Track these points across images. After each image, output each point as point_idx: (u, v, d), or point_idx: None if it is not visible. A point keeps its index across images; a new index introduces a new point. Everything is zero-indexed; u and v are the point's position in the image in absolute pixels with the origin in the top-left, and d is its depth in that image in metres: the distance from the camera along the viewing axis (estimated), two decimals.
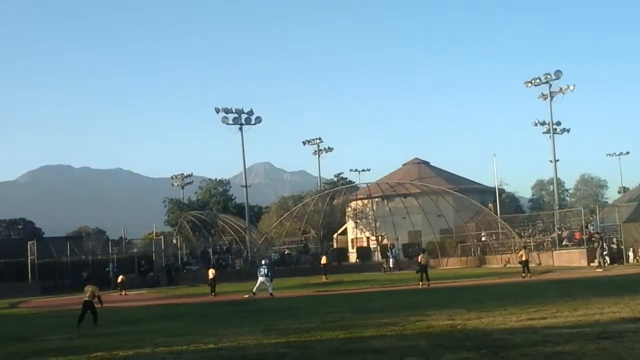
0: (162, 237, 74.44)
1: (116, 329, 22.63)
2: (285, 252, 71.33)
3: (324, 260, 54.50)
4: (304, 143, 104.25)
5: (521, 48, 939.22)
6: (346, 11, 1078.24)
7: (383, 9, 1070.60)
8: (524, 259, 42.27)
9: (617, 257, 50.36)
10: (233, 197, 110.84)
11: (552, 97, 71.15)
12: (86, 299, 24.15)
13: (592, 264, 48.60)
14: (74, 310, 24.95)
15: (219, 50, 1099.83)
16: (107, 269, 56.13)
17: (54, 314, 33.62)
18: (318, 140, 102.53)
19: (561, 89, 70.92)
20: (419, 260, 40.16)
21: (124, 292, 46.68)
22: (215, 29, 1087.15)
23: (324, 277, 50.51)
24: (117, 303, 38.39)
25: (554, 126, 73.44)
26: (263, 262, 40.72)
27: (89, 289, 24.62)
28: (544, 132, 74.66)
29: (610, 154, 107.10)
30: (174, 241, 73.87)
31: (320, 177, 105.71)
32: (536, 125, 75.30)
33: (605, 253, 49.62)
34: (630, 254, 50.16)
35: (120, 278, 47.82)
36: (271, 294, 35.92)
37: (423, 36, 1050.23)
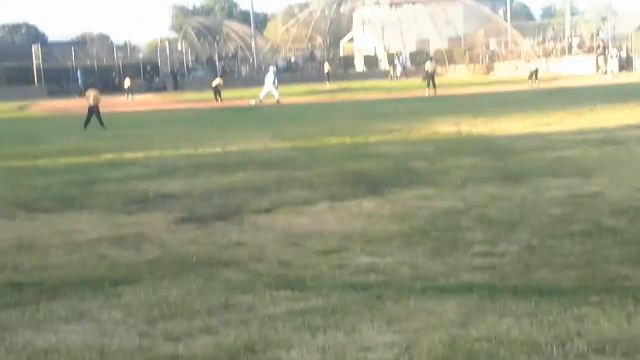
0: (167, 43, 73.63)
1: (124, 132, 22.78)
2: (292, 59, 70.76)
3: (327, 67, 54.07)
4: None
5: None
6: None
7: None
8: (533, 68, 42.01)
9: (627, 64, 49.95)
10: (237, 4, 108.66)
11: None
12: (90, 103, 24.24)
13: (599, 72, 48.35)
14: (82, 114, 25.06)
15: None
16: (77, 75, 54.88)
17: (63, 117, 33.86)
18: None
19: None
20: (426, 68, 39.82)
21: (131, 96, 46.77)
22: None
23: (327, 84, 50.39)
24: (125, 107, 38.64)
25: None
26: (271, 68, 40.47)
27: (91, 93, 24.67)
28: None
29: None
30: (179, 47, 73.09)
31: None
32: None
33: (613, 61, 49.29)
34: (638, 62, 49.70)
35: (127, 82, 47.75)
36: (278, 100, 35.98)
37: None
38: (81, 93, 47.74)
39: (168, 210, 9.13)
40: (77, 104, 35.02)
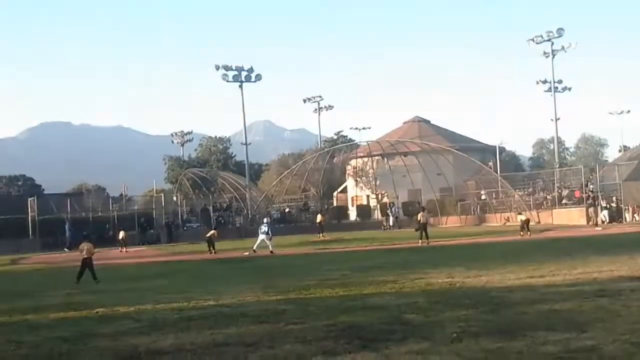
0: (162, 194, 74.52)
1: (117, 285, 22.74)
2: (286, 210, 71.46)
3: (319, 218, 54.41)
4: (304, 101, 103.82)
5: (524, 5, 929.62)
6: None
7: None
8: (524, 218, 42.52)
9: (617, 215, 50.50)
10: (233, 155, 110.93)
11: (554, 55, 70.94)
12: (84, 256, 24.29)
13: (590, 223, 48.76)
14: (75, 267, 25.07)
15: (219, 6, 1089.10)
16: (65, 228, 54.86)
17: (55, 270, 33.76)
18: (318, 98, 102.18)
19: (563, 47, 70.74)
20: (419, 219, 40.23)
21: (125, 249, 46.86)
22: None
23: (319, 235, 50.52)
24: (118, 260, 38.59)
25: (556, 84, 73.29)
26: (264, 219, 40.84)
27: (84, 246, 24.75)
28: (545, 91, 74.56)
29: (611, 113, 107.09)
30: (174, 199, 73.94)
31: (320, 135, 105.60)
32: (538, 83, 75.12)
33: (603, 212, 49.85)
34: (628, 213, 50.23)
35: (121, 234, 47.97)
36: (271, 251, 36.07)
37: None
38: (69, 246, 47.86)
39: None
40: (70, 257, 35.03)
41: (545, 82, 74.25)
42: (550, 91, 72.95)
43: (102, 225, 57.79)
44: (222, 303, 15.81)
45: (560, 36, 70.26)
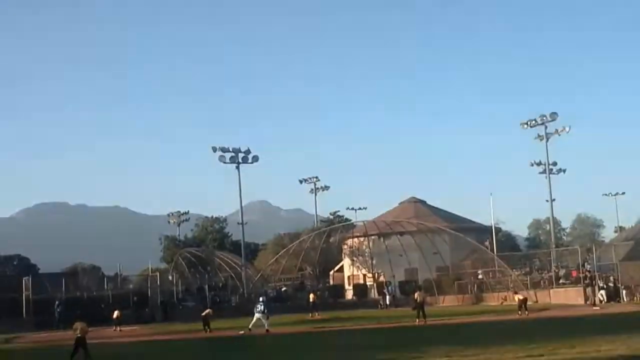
0: (157, 273, 74.16)
1: None
2: (282, 289, 71.04)
3: (312, 297, 53.87)
4: (300, 181, 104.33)
5: (518, 89, 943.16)
6: (341, 43, 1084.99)
7: (378, 42, 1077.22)
8: (521, 298, 42.35)
9: (614, 295, 50.30)
10: (229, 235, 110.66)
11: (548, 139, 71.72)
12: (77, 335, 24.09)
13: (588, 302, 48.54)
14: (68, 347, 24.82)
15: (216, 88, 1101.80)
16: (57, 308, 53.93)
17: (48, 349, 33.41)
18: (315, 179, 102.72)
19: (557, 130, 71.54)
20: (415, 298, 40.07)
21: (119, 328, 46.37)
22: (213, 61, 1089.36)
23: (312, 314, 49.93)
24: (112, 339, 38.19)
25: (550, 166, 73.81)
26: (260, 298, 40.65)
27: (78, 325, 24.57)
28: (540, 172, 75.02)
29: (606, 194, 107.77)
30: (170, 278, 73.57)
31: (316, 215, 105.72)
32: (532, 165, 75.65)
33: (601, 292, 49.68)
34: (624, 293, 50.03)
35: (115, 314, 47.53)
36: (267, 330, 35.79)
37: (420, 75, 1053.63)
38: (58, 326, 47.39)
39: None
40: (64, 337, 34.69)
41: (539, 164, 74.79)
42: (545, 173, 73.47)
43: (96, 304, 57.28)
44: None
45: (553, 120, 71.16)
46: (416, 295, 40.25)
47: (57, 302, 53.98)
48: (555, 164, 75.45)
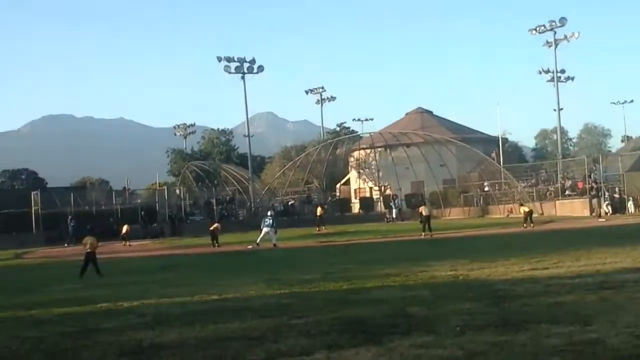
0: (165, 187, 74.51)
1: (120, 279, 22.82)
2: (289, 203, 71.41)
3: (319, 211, 54.03)
4: (306, 92, 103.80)
5: None
6: None
7: None
8: (527, 210, 42.51)
9: (619, 206, 50.40)
10: (236, 147, 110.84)
11: (556, 45, 70.77)
12: (87, 250, 24.32)
13: (594, 214, 48.70)
14: (78, 261, 25.12)
15: None
16: (70, 223, 54.38)
17: (58, 264, 33.83)
18: (321, 89, 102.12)
19: (566, 37, 70.52)
20: (421, 212, 40.23)
21: (128, 243, 46.86)
22: None
23: (318, 228, 50.23)
24: (121, 254, 38.65)
25: (558, 74, 73.11)
26: (268, 212, 40.83)
27: (88, 240, 24.76)
28: (548, 81, 74.44)
29: (614, 102, 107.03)
30: (177, 192, 73.93)
31: (323, 126, 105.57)
32: (540, 73, 75.08)
33: (607, 203, 49.75)
34: (630, 204, 50.08)
35: (124, 228, 47.96)
36: (275, 244, 36.10)
37: None
38: (72, 242, 47.77)
39: None
40: (74, 251, 35.10)
41: (547, 71, 74.14)
42: (553, 81, 72.77)
43: (105, 219, 57.76)
44: (225, 297, 15.84)
45: (562, 25, 70.01)
46: (421, 209, 40.40)
47: (69, 217, 54.41)
48: (563, 71, 74.77)
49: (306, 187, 75.02)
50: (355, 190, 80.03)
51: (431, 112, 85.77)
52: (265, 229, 37.11)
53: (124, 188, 73.67)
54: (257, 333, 10.75)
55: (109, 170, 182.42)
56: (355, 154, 78.11)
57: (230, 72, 70.72)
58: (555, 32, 70.31)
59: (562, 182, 58.01)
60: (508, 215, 55.13)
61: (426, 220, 39.13)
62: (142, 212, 60.18)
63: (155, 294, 17.02)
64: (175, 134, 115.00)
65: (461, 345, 9.07)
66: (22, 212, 56.73)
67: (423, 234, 38.12)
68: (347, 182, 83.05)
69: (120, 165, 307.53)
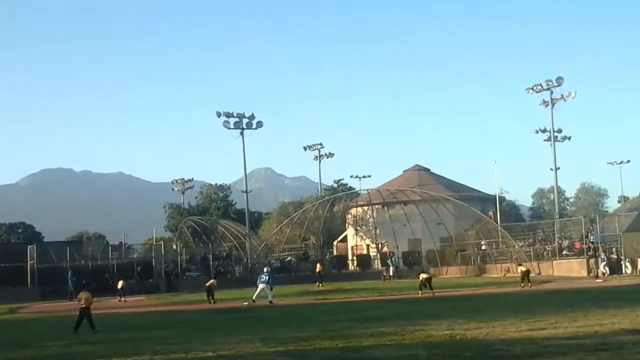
0: (162, 242, 74.37)
1: (115, 335, 22.64)
2: (286, 259, 71.23)
3: (318, 268, 53.97)
4: (305, 148, 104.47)
5: (523, 54, 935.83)
6: (347, 15, 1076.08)
7: (383, 13, 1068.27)
8: (524, 270, 42.37)
9: (617, 267, 50.29)
10: (233, 203, 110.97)
11: (553, 104, 71.63)
12: (82, 305, 24.21)
13: (591, 275, 48.55)
14: (73, 317, 24.97)
15: (220, 54, 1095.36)
16: (70, 277, 53.77)
17: (53, 319, 33.59)
18: (319, 146, 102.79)
19: (562, 96, 71.40)
20: (421, 279, 39.42)
21: (123, 298, 46.58)
22: (216, 31, 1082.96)
23: (317, 284, 50.10)
24: (117, 309, 38.40)
25: (555, 134, 73.72)
26: (265, 269, 40.68)
27: (83, 295, 24.67)
28: (545, 140, 75.01)
29: (611, 163, 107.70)
30: (174, 247, 73.80)
31: (320, 182, 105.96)
32: (537, 132, 75.65)
33: (604, 264, 49.66)
34: (628, 264, 49.98)
35: (120, 284, 47.69)
36: (270, 301, 35.90)
37: (424, 41, 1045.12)
38: (72, 296, 47.43)
39: None
40: (69, 306, 34.89)
41: (544, 131, 74.75)
42: (550, 140, 73.30)
43: (101, 273, 57.48)
44: (220, 354, 15.74)
45: (559, 85, 70.94)
46: (421, 276, 39.90)
47: (69, 272, 54.22)
48: (560, 131, 75.45)
49: (303, 243, 74.92)
50: (352, 247, 79.91)
51: (428, 170, 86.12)
52: (261, 285, 36.95)
53: (121, 243, 73.53)
54: None
55: (106, 224, 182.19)
56: (353, 210, 78.23)
57: (229, 128, 71.27)
58: (552, 92, 71.22)
59: (560, 241, 57.96)
60: (505, 274, 54.88)
61: (428, 281, 38.66)
62: (138, 268, 59.97)
63: (149, 350, 16.91)
64: (173, 189, 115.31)
65: None
66: (18, 266, 56.45)
67: (420, 292, 37.76)
68: (345, 239, 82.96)
69: (118, 219, 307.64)
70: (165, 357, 15.64)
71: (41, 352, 18.00)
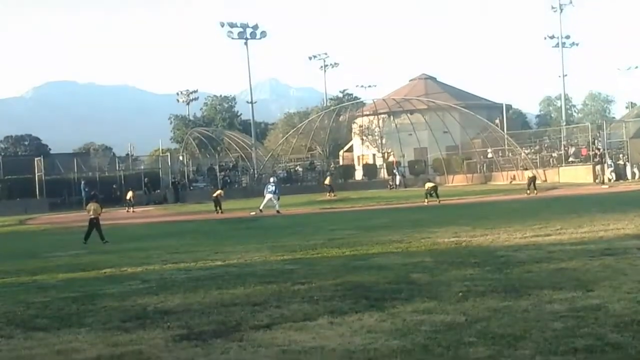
0: (168, 153, 74.51)
1: (124, 245, 22.87)
2: (292, 169, 71.44)
3: (327, 181, 53.98)
4: (310, 58, 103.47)
5: None
6: None
7: None
8: (530, 175, 42.43)
9: (623, 173, 50.33)
10: (239, 114, 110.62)
11: (561, 9, 70.29)
12: (91, 216, 24.38)
13: (597, 181, 48.66)
14: (82, 227, 25.21)
15: None
16: (84, 188, 54.03)
17: (62, 230, 33.94)
18: (324, 55, 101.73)
19: (571, 1, 70.06)
20: (426, 188, 39.44)
21: (132, 209, 46.96)
22: None
23: (329, 194, 50.28)
24: (125, 220, 38.75)
25: (564, 40, 72.71)
26: (271, 179, 40.81)
27: (91, 206, 24.83)
28: (553, 46, 74.04)
29: (619, 69, 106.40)
30: (180, 158, 73.95)
31: (326, 92, 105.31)
32: (546, 38, 74.65)
33: (610, 170, 49.66)
34: (636, 170, 49.95)
35: (129, 195, 47.99)
36: (278, 211, 36.13)
37: None
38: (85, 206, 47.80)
39: (167, 327, 9.04)
40: (78, 217, 35.17)
41: (553, 37, 73.76)
42: (558, 47, 72.38)
43: (109, 185, 57.85)
44: (229, 263, 15.87)
45: None
46: (427, 185, 39.93)
47: (82, 183, 54.57)
48: (568, 37, 74.36)
49: (309, 153, 74.99)
50: (358, 157, 79.99)
51: (435, 79, 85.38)
52: (268, 196, 37.15)
53: (128, 154, 73.69)
54: (260, 298, 10.78)
55: (112, 136, 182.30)
56: (359, 120, 77.96)
57: (233, 38, 70.36)
58: None
59: (566, 148, 57.91)
60: (511, 182, 55.15)
61: (433, 190, 38.79)
62: (146, 179, 60.26)
63: (159, 260, 17.08)
64: (178, 101, 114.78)
65: (463, 311, 9.09)
66: (26, 178, 56.80)
67: (426, 200, 38.01)
68: (351, 149, 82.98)
69: (123, 131, 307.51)
70: (175, 266, 15.79)
71: (52, 263, 18.19)
